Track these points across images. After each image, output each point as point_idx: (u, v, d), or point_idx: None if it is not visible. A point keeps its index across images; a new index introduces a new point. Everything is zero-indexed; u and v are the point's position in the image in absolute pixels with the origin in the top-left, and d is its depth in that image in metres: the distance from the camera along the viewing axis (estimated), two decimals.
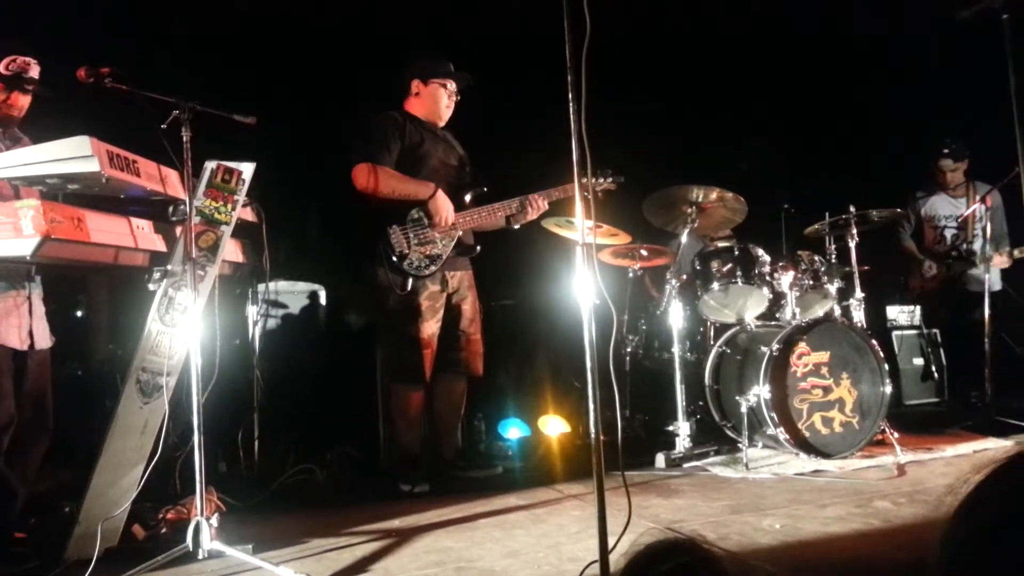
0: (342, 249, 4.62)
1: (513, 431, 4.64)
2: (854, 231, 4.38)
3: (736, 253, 4.28)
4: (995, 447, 4.10)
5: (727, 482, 3.65)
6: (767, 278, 4.25)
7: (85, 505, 2.62)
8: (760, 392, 3.86)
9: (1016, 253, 5.02)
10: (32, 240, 2.21)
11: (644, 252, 4.73)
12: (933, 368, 5.58)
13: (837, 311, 4.35)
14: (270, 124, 2.94)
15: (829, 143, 6.17)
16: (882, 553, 2.59)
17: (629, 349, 4.73)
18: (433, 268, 3.77)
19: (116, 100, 2.61)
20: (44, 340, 2.87)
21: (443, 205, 3.74)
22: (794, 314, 4.18)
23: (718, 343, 4.34)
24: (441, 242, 3.80)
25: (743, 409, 3.89)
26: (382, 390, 4.16)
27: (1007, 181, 4.79)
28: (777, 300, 4.29)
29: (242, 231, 3.03)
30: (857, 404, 3.99)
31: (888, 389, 4.02)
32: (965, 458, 3.91)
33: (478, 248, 3.98)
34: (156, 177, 2.61)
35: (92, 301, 4.44)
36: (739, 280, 4.21)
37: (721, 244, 4.53)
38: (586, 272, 2.22)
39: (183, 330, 2.67)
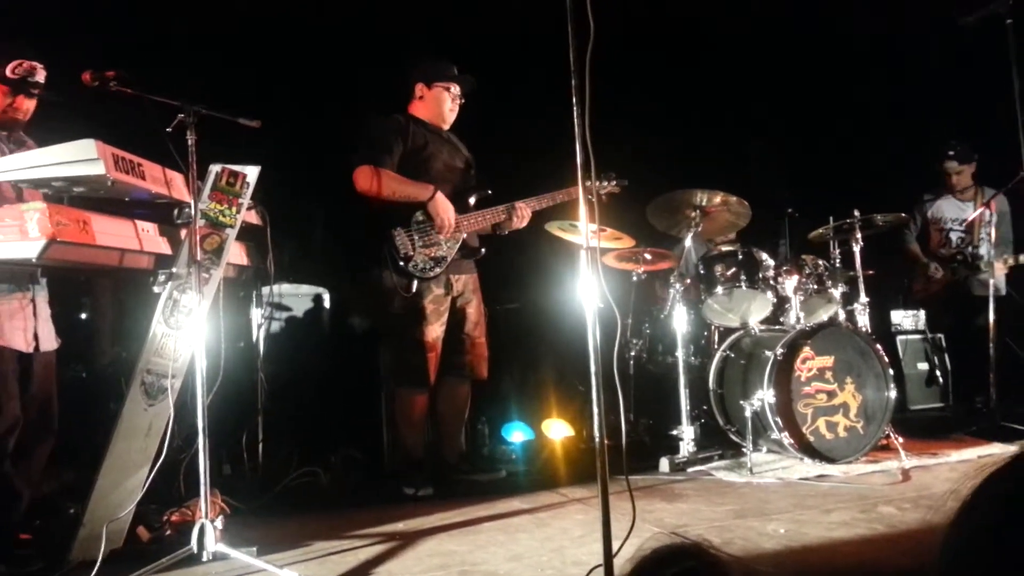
0: (346, 252, 4.63)
1: (517, 435, 4.63)
2: (858, 235, 4.37)
3: (740, 257, 4.28)
4: (1000, 452, 4.09)
5: (731, 487, 3.65)
6: (771, 282, 4.24)
7: (90, 507, 2.63)
8: (764, 396, 3.85)
9: (1022, 259, 5.01)
10: (38, 243, 2.22)
11: (648, 256, 4.72)
12: (938, 373, 5.57)
13: (841, 315, 4.34)
14: (274, 127, 2.94)
15: (834, 146, 6.16)
16: (887, 559, 2.58)
17: (633, 353, 4.73)
18: (438, 270, 3.77)
19: (121, 103, 2.62)
20: (49, 342, 2.88)
21: (442, 207, 3.74)
22: (798, 318, 4.17)
23: (722, 347, 4.33)
24: (446, 244, 3.80)
25: (747, 413, 3.88)
26: (386, 393, 4.16)
27: (1012, 186, 4.78)
28: (781, 304, 4.28)
29: (246, 234, 3.04)
30: (861, 409, 3.98)
31: (892, 394, 4.01)
32: (970, 463, 3.89)
33: (483, 250, 3.98)
34: (161, 180, 2.62)
35: (97, 303, 4.45)
36: (743, 284, 4.20)
37: (725, 248, 4.52)
38: (590, 276, 2.22)
39: (188, 332, 2.68)
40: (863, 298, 4.37)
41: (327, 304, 5.34)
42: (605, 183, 4.03)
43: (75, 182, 2.43)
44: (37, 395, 2.83)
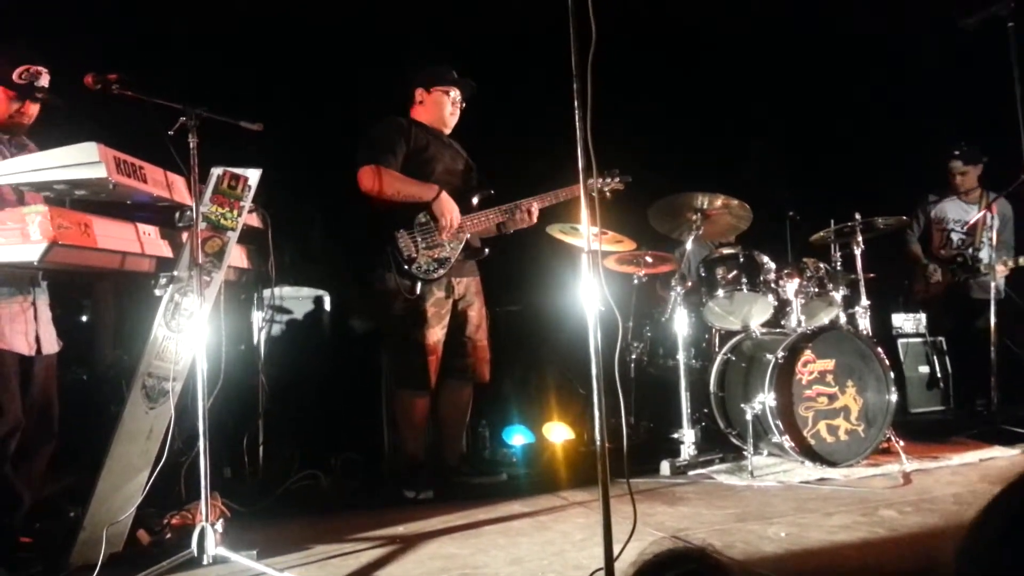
0: (347, 254, 4.64)
1: (518, 438, 4.63)
2: (859, 238, 4.37)
3: (741, 260, 4.28)
4: (1001, 456, 4.09)
5: (732, 490, 3.64)
6: (772, 285, 4.24)
7: (90, 510, 2.63)
8: (765, 400, 3.85)
9: (1022, 261, 5.01)
10: (39, 246, 2.22)
11: (649, 259, 4.72)
12: (939, 376, 5.57)
13: (842, 319, 4.34)
14: (275, 129, 2.95)
15: (835, 149, 6.17)
16: (888, 562, 2.58)
17: (634, 356, 4.73)
18: (442, 271, 3.77)
19: (123, 106, 2.62)
20: (51, 345, 2.88)
21: (447, 207, 3.75)
22: (799, 321, 4.17)
23: (723, 350, 4.33)
24: (449, 245, 3.80)
25: (748, 417, 3.88)
26: (387, 396, 4.16)
27: (1013, 189, 4.78)
28: (782, 307, 4.28)
29: (247, 236, 3.05)
30: (862, 412, 3.98)
31: (893, 397, 4.01)
32: (971, 467, 3.89)
33: (487, 251, 3.98)
34: (163, 183, 2.62)
35: (98, 306, 4.45)
36: (744, 287, 4.20)
37: (726, 251, 4.52)
38: (591, 279, 2.22)
39: (189, 335, 2.68)
40: (864, 301, 4.37)
41: (328, 307, 5.34)
42: (609, 179, 4.02)
43: (77, 185, 2.43)
44: (38, 398, 2.83)
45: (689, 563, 1.31)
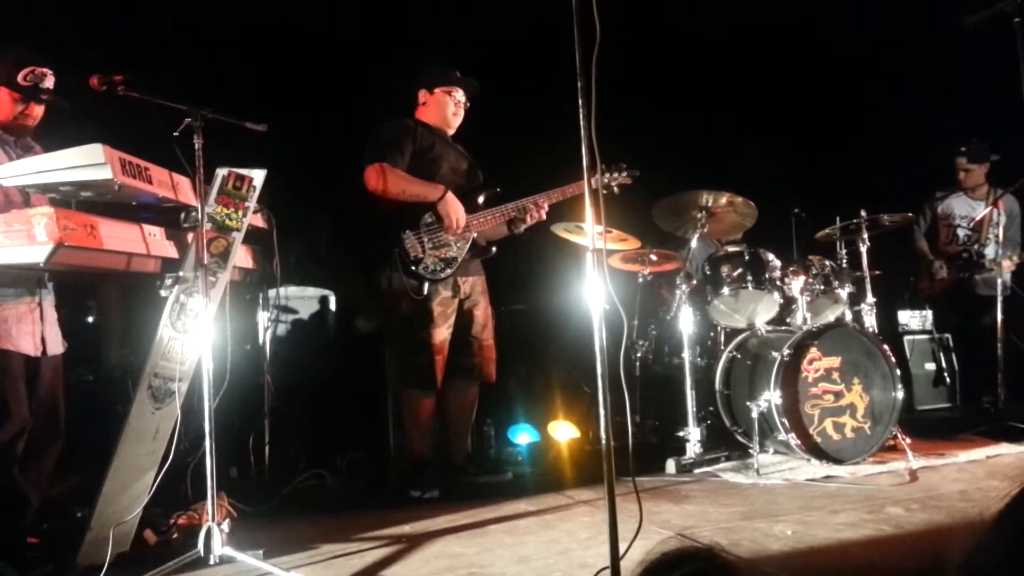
0: (353, 254, 4.64)
1: (523, 436, 4.63)
2: (865, 235, 4.36)
3: (746, 258, 4.27)
4: (1008, 452, 4.08)
5: (738, 488, 3.64)
6: (778, 283, 4.23)
7: (97, 510, 2.63)
8: (771, 397, 3.85)
9: None
10: (45, 247, 2.22)
11: (654, 257, 4.72)
12: (945, 373, 5.56)
13: (848, 316, 4.33)
14: (279, 129, 2.95)
15: (841, 145, 6.15)
16: (895, 560, 2.57)
17: (639, 354, 4.73)
18: (448, 271, 3.77)
19: (128, 107, 2.62)
20: (56, 346, 2.89)
21: (453, 206, 3.75)
22: (805, 319, 4.17)
23: (729, 348, 4.32)
24: (456, 245, 3.80)
25: (754, 414, 3.88)
26: (392, 395, 4.17)
27: (1020, 185, 4.77)
28: (788, 305, 4.28)
29: (253, 237, 3.05)
30: (869, 409, 3.97)
31: (900, 394, 4.00)
32: (978, 464, 3.88)
33: (493, 249, 3.98)
34: (168, 184, 2.63)
35: (104, 307, 4.46)
36: (750, 285, 4.19)
37: (731, 249, 4.52)
38: (596, 277, 2.22)
39: (195, 336, 2.68)
40: (870, 298, 4.37)
41: (333, 307, 5.35)
42: (616, 175, 4.02)
43: (82, 186, 2.43)
44: (45, 399, 2.84)
45: (696, 562, 1.31)
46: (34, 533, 2.83)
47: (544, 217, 3.97)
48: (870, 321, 4.34)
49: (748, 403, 3.94)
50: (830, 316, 4.39)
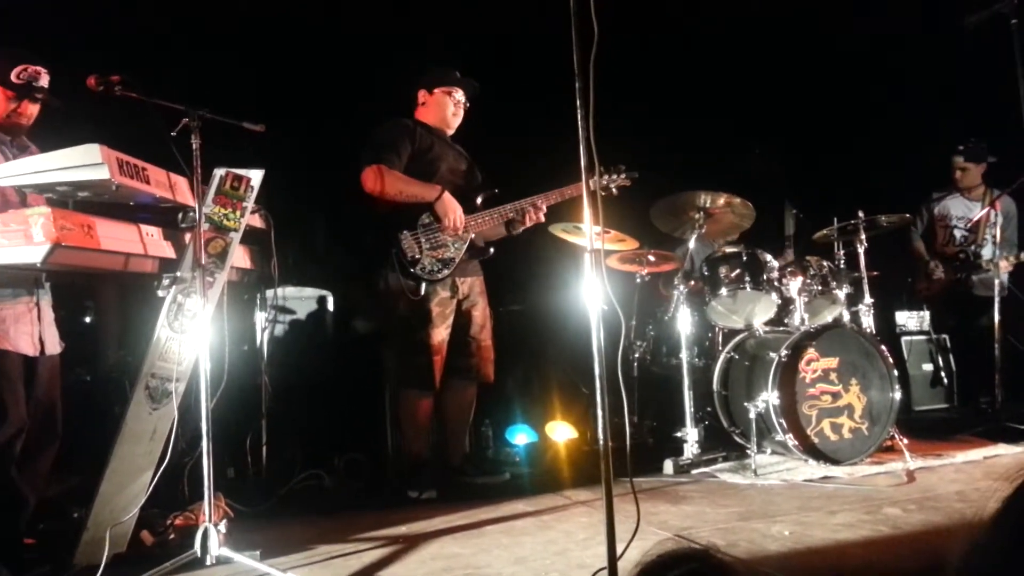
0: (350, 255, 4.64)
1: (521, 437, 4.63)
2: (863, 236, 4.37)
3: (744, 258, 4.27)
4: (1006, 453, 4.08)
5: (736, 488, 3.64)
6: (775, 283, 4.24)
7: (94, 511, 2.63)
8: (769, 398, 3.85)
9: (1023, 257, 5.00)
10: (43, 247, 2.22)
11: (652, 258, 4.72)
12: (943, 374, 5.57)
13: (846, 317, 4.33)
14: (277, 129, 2.95)
15: (839, 147, 6.15)
16: (892, 560, 2.57)
17: (637, 355, 4.73)
18: (446, 272, 3.77)
19: (125, 107, 2.62)
20: (54, 346, 2.88)
21: (450, 207, 3.74)
22: (803, 320, 4.17)
23: (726, 349, 4.32)
24: (453, 245, 3.80)
25: (752, 415, 3.88)
26: (390, 396, 4.16)
27: (1017, 186, 4.77)
28: (786, 305, 4.28)
29: (250, 237, 3.04)
30: (866, 410, 3.97)
31: (897, 395, 4.01)
32: (975, 464, 3.89)
33: (491, 250, 3.97)
34: (165, 184, 2.62)
35: (101, 307, 4.45)
36: (747, 285, 4.19)
37: (729, 249, 4.52)
38: (594, 278, 2.22)
39: (192, 336, 2.68)
40: (867, 299, 4.37)
41: (331, 307, 5.34)
42: (615, 176, 4.02)
43: (80, 186, 2.43)
44: (42, 399, 2.83)
45: (693, 562, 1.30)
46: (31, 533, 2.82)
47: (542, 219, 3.97)
48: (868, 322, 4.35)
49: (746, 404, 3.94)
50: (828, 317, 4.40)
